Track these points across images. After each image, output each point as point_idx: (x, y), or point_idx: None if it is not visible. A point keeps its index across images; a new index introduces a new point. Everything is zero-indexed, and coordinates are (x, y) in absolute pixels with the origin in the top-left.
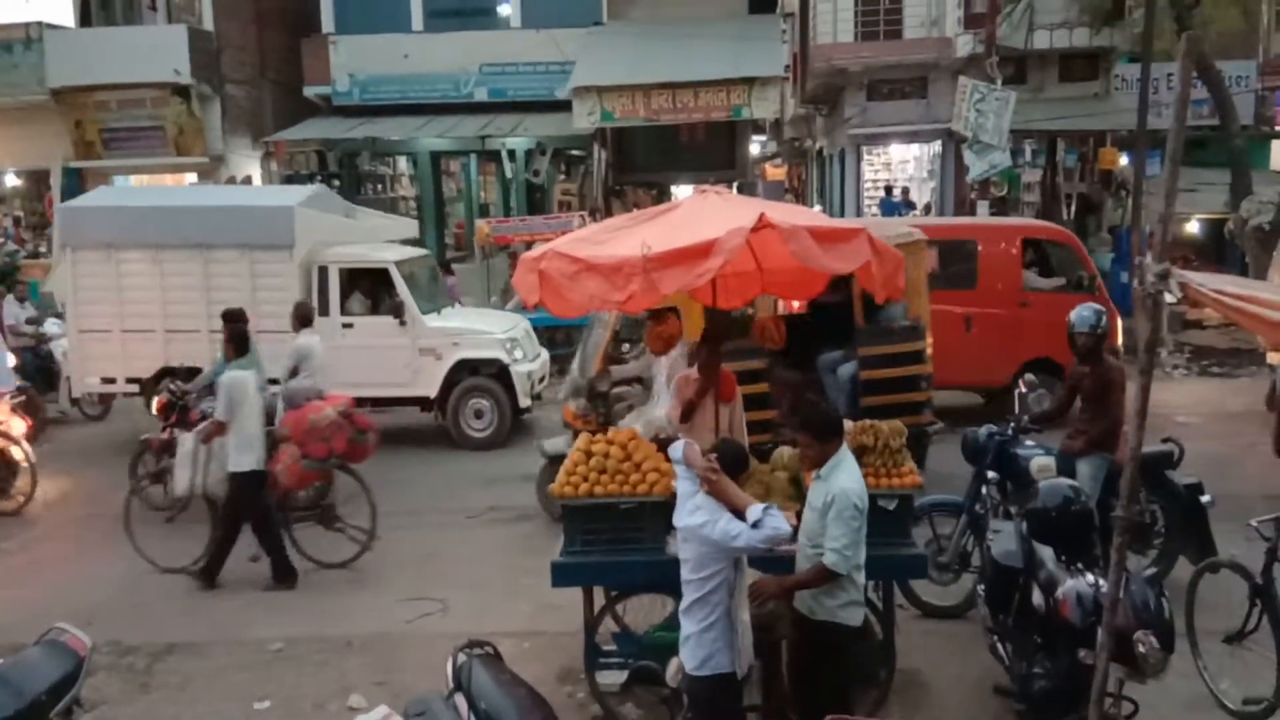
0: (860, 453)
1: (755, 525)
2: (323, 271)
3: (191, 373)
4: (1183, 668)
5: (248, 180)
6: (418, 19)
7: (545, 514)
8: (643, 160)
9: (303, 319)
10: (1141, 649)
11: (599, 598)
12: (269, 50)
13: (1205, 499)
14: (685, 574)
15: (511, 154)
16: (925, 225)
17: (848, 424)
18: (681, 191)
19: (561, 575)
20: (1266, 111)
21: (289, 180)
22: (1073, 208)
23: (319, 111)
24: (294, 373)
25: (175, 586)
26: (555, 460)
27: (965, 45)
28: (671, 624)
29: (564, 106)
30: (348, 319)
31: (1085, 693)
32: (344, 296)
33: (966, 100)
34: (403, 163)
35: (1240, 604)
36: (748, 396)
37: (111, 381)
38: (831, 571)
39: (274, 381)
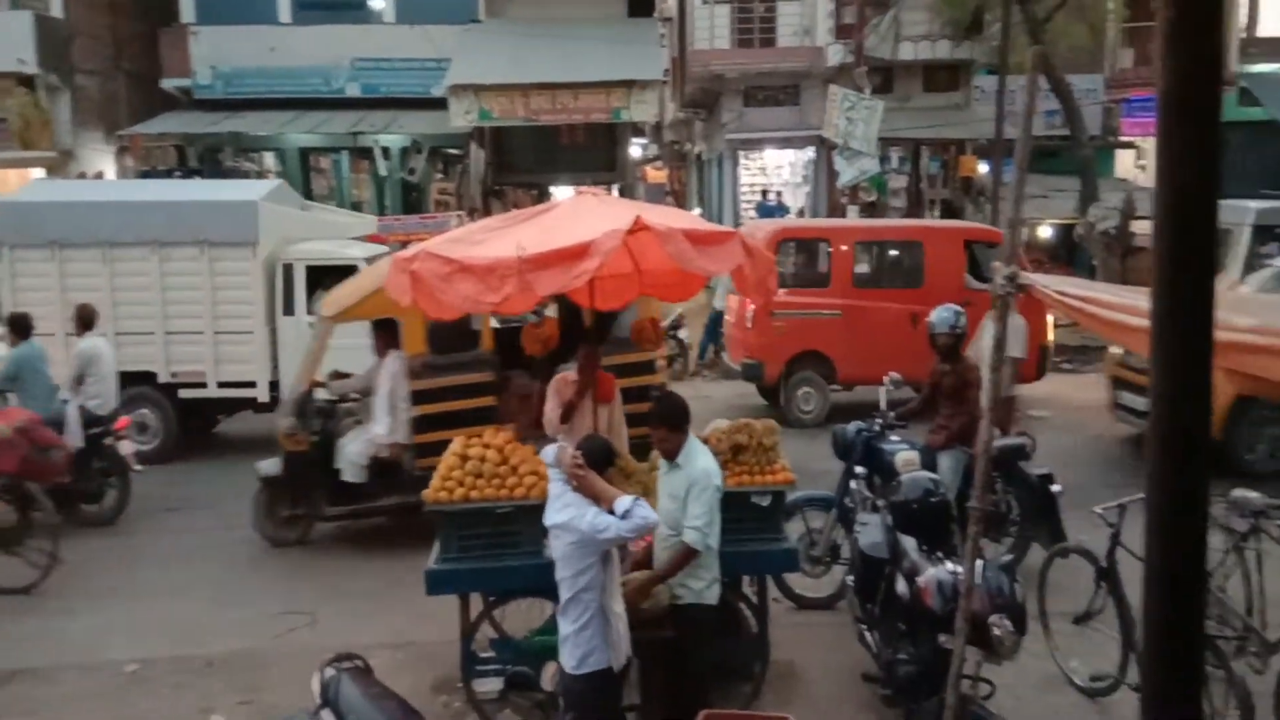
0: (735, 451)
1: (624, 517)
2: (287, 269)
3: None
4: (1035, 648)
5: (99, 176)
6: (285, 11)
7: (261, 538)
8: (522, 161)
9: (85, 322)
10: (997, 632)
11: (476, 604)
12: (124, 39)
13: (1055, 488)
14: (558, 573)
15: (386, 151)
16: (879, 227)
17: (722, 422)
18: (562, 193)
19: (436, 583)
20: (1112, 123)
21: (145, 176)
22: (936, 213)
23: (178, 105)
24: (80, 380)
25: (20, 607)
26: (270, 482)
27: (836, 55)
28: (551, 627)
29: (440, 104)
30: (313, 319)
31: (946, 676)
32: (309, 295)
33: (837, 108)
34: (269, 159)
35: (1087, 587)
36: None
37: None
38: (693, 550)
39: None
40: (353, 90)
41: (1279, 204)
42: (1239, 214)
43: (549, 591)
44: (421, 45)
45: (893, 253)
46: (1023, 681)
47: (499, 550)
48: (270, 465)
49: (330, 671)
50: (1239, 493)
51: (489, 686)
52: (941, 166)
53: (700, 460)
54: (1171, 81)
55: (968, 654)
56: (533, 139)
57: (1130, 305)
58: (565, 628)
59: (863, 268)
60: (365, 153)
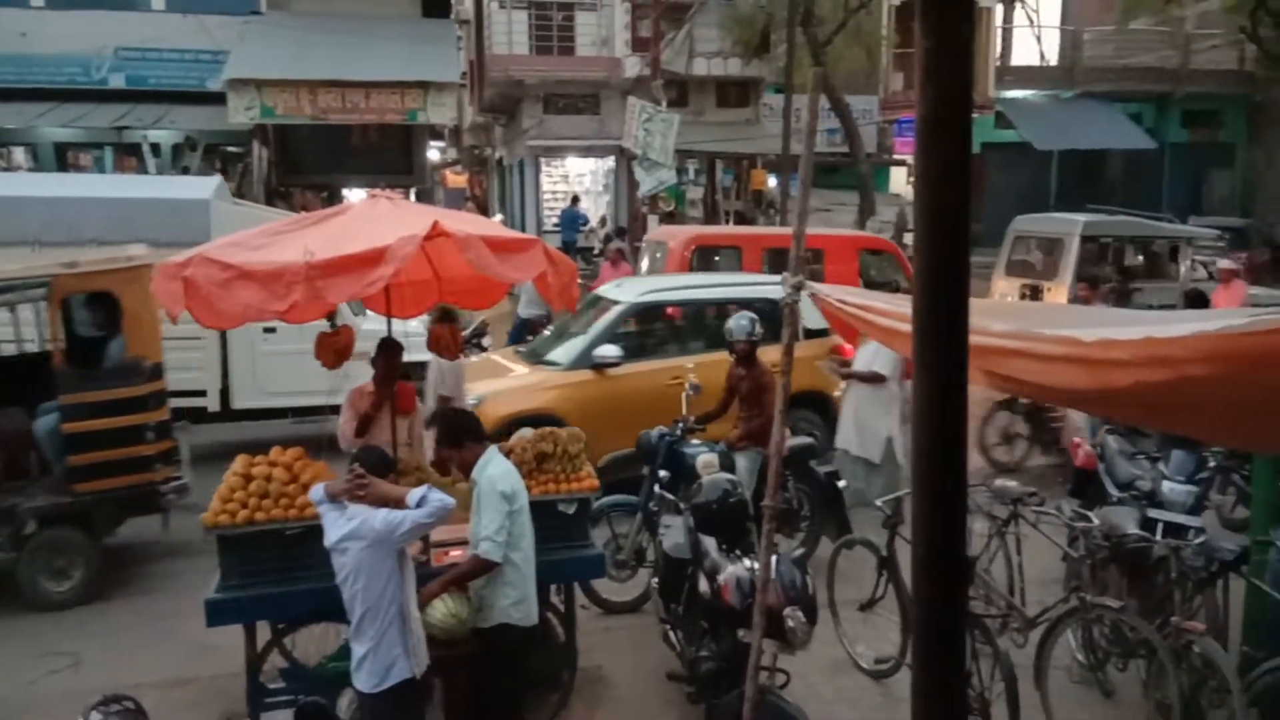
0: (540, 459)
1: (420, 506)
2: None
3: None
4: (825, 636)
5: None
6: None
7: None
8: (311, 161)
9: None
10: (791, 624)
11: (264, 633)
12: None
13: (841, 484)
14: (349, 590)
15: (155, 148)
16: (785, 236)
17: (527, 431)
18: (354, 195)
19: (218, 613)
20: (887, 141)
21: None
22: (730, 223)
23: None
24: None
25: None
26: None
27: (633, 67)
28: (346, 652)
29: (219, 99)
30: (270, 324)
31: (746, 669)
32: None
33: (635, 119)
34: (19, 154)
35: (871, 575)
36: None
37: None
38: (486, 561)
39: None
40: (117, 81)
41: (1104, 217)
42: (1069, 225)
43: (343, 614)
44: (196, 35)
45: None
46: (814, 668)
47: (288, 574)
48: None
49: (96, 716)
50: (1000, 482)
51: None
52: (735, 179)
53: (488, 469)
54: (928, 107)
55: (765, 646)
56: (322, 139)
57: (903, 313)
58: (361, 648)
59: (769, 272)
60: (132, 149)
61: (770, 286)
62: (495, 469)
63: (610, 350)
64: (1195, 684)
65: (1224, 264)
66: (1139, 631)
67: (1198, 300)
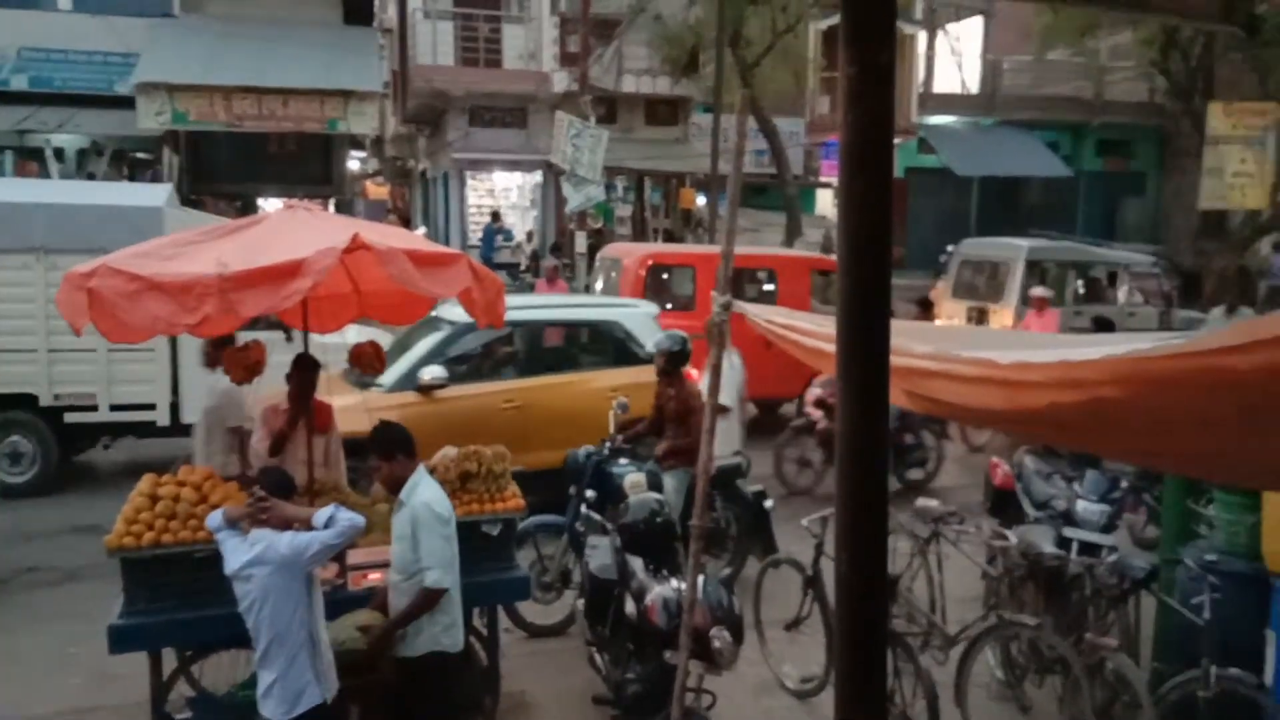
0: (464, 479)
1: (328, 526)
2: None
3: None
4: (752, 656)
5: None
6: None
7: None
8: (224, 169)
9: None
10: (717, 644)
11: (170, 660)
12: None
13: (768, 504)
14: (254, 617)
15: (59, 153)
16: (739, 255)
17: (450, 450)
18: (270, 206)
19: (122, 640)
20: (813, 164)
21: None
22: (659, 241)
23: None
24: None
25: None
26: None
27: (561, 82)
28: (255, 681)
29: (127, 103)
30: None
31: (672, 690)
32: None
33: (564, 134)
34: None
35: (797, 595)
36: None
37: None
38: (438, 591)
39: None
40: (19, 83)
41: (1047, 242)
42: (1014, 250)
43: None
44: (105, 37)
45: (751, 279)
46: (740, 688)
47: (196, 599)
48: None
49: None
50: (922, 502)
51: None
52: (663, 197)
53: (422, 493)
54: (851, 133)
55: (691, 667)
56: (237, 146)
57: (828, 333)
58: (269, 675)
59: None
60: (34, 153)
61: (616, 309)
62: (429, 492)
63: (436, 372)
64: (1108, 699)
65: (1037, 292)
66: (1055, 648)
67: (1106, 326)
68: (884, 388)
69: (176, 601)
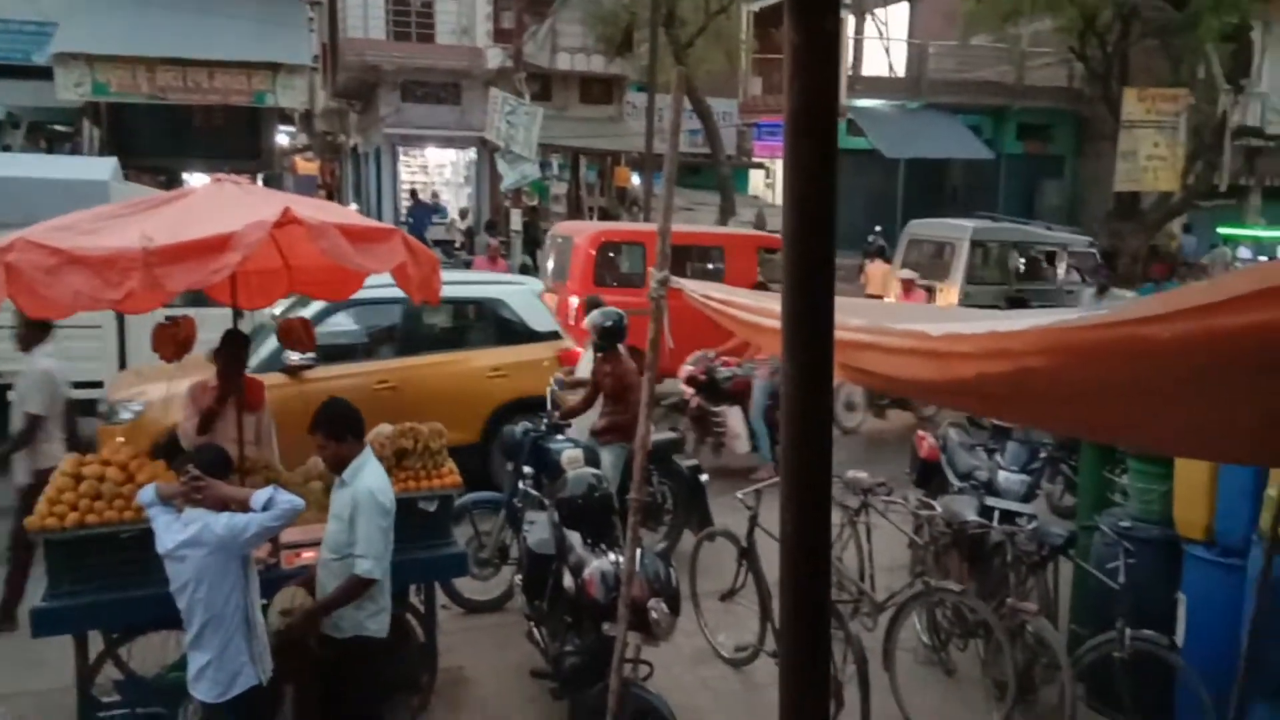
0: (400, 455)
1: (266, 509)
2: None
3: None
4: (688, 627)
5: None
6: None
7: None
8: (148, 142)
9: None
10: (654, 615)
11: (96, 643)
12: None
13: (704, 478)
14: (188, 598)
15: None
16: (688, 233)
17: (386, 427)
18: (196, 180)
19: (45, 623)
20: (746, 144)
21: None
22: (595, 219)
23: None
24: None
25: None
26: None
27: (495, 58)
28: (185, 662)
29: (45, 74)
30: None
31: (609, 662)
32: None
33: (498, 111)
34: None
35: (731, 566)
36: None
37: None
38: (366, 580)
39: None
40: None
41: (991, 224)
42: (959, 231)
43: (182, 623)
44: (20, 5)
45: (699, 257)
46: (676, 659)
47: (123, 580)
48: None
49: None
50: (851, 473)
51: None
52: (599, 175)
53: (368, 478)
54: (796, 100)
55: (629, 638)
56: (161, 119)
57: (764, 308)
58: (202, 657)
59: (672, 270)
60: None
61: (494, 286)
62: (374, 479)
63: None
64: (1029, 661)
65: (903, 274)
66: (978, 613)
67: (1019, 304)
68: (829, 353)
69: (102, 583)
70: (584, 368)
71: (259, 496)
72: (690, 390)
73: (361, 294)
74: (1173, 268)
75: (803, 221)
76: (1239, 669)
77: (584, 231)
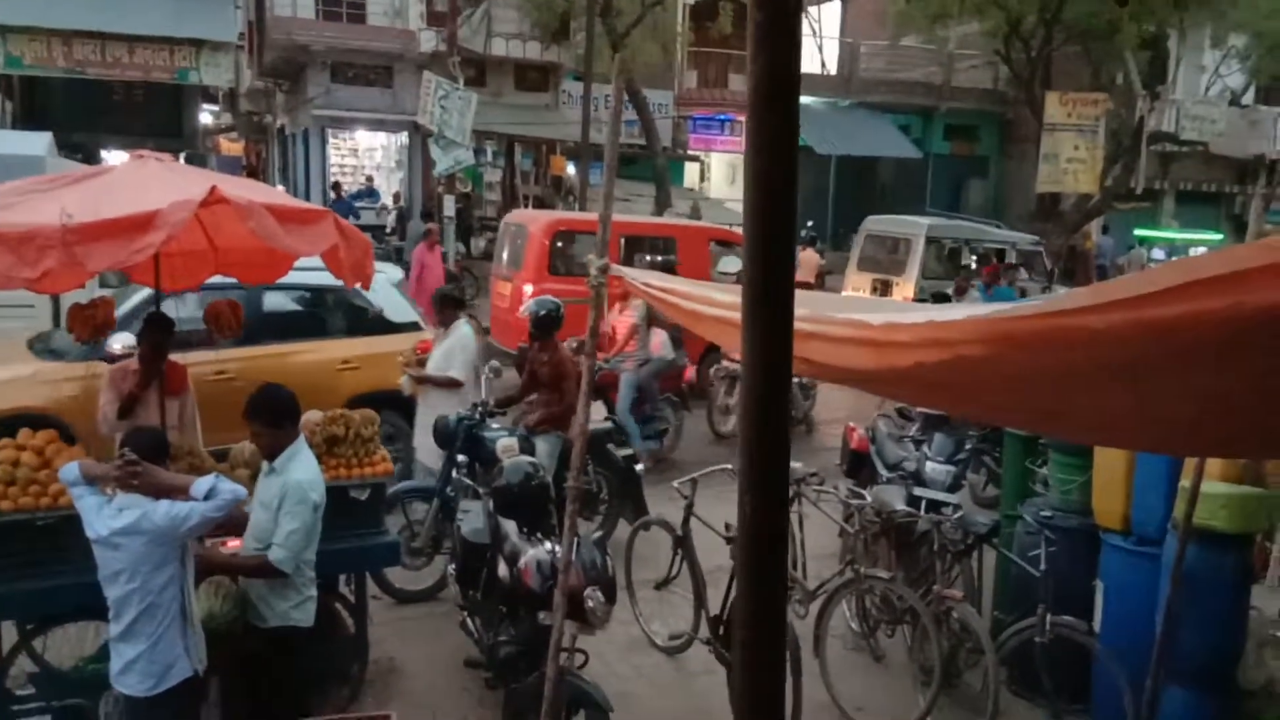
0: (331, 443)
1: (208, 498)
2: None
3: None
4: (623, 615)
5: None
6: None
7: None
8: (63, 117)
9: None
10: (591, 604)
11: (10, 634)
12: None
13: (639, 468)
14: (121, 588)
15: None
16: (642, 224)
17: (316, 414)
18: (114, 157)
19: None
20: (681, 136)
21: None
22: (530, 207)
23: None
24: None
25: None
26: None
27: (429, 41)
28: (105, 654)
29: None
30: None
31: (545, 651)
32: None
33: (431, 95)
34: None
35: (666, 555)
36: None
37: None
38: (274, 568)
39: None
40: None
41: (944, 221)
42: (915, 227)
43: (104, 613)
44: None
45: (651, 248)
46: (611, 647)
47: (39, 568)
48: None
49: None
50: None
51: None
52: (534, 164)
53: (299, 470)
54: (759, 78)
55: (565, 627)
56: (78, 93)
57: (705, 296)
58: (132, 649)
59: (625, 259)
60: None
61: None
62: (305, 472)
63: (126, 339)
64: (954, 646)
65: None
66: (905, 600)
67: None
68: (789, 333)
69: (17, 571)
70: (434, 362)
71: (200, 485)
72: None
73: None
74: (997, 270)
75: (764, 197)
76: (1154, 654)
77: (538, 220)
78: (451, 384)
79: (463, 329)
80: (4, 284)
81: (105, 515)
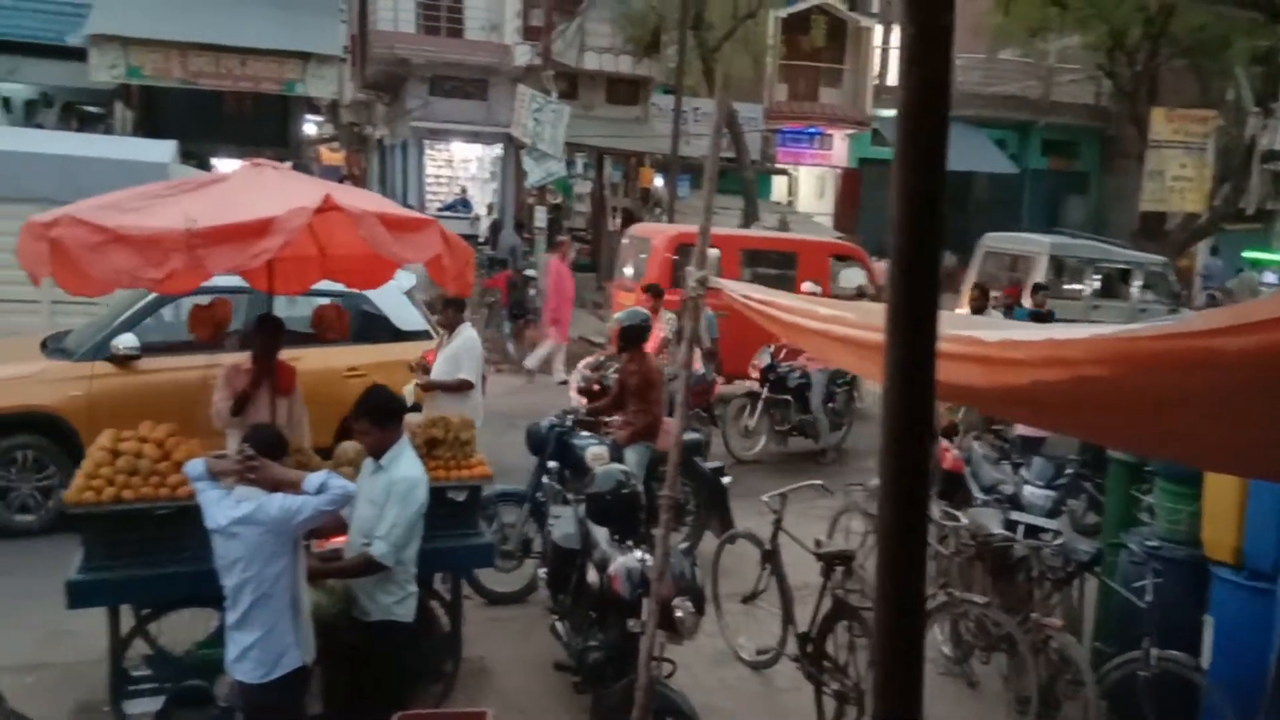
0: (430, 445)
1: (319, 493)
2: None
3: None
4: (709, 628)
5: None
6: None
7: None
8: (178, 126)
9: None
10: (680, 614)
11: (127, 618)
12: None
13: (726, 480)
14: (237, 577)
15: (6, 103)
16: (761, 238)
17: (417, 417)
18: (224, 166)
19: (80, 595)
20: (770, 150)
21: None
22: (619, 220)
23: None
24: None
25: None
26: None
27: (524, 55)
28: (217, 640)
29: (78, 54)
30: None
31: (633, 659)
32: None
33: (525, 108)
34: None
35: (753, 569)
36: None
37: None
38: (376, 563)
39: None
40: None
41: (1069, 239)
42: (1037, 245)
43: (215, 601)
44: None
45: (772, 261)
46: (698, 659)
47: (157, 556)
48: None
49: None
50: (876, 481)
51: (144, 708)
52: (623, 176)
53: (405, 467)
54: (910, 94)
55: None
56: (191, 103)
57: (806, 309)
58: (247, 637)
59: (746, 273)
60: None
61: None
62: (411, 469)
63: (129, 340)
64: (1052, 676)
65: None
66: (1002, 626)
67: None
68: (933, 346)
69: (136, 558)
70: (440, 368)
71: (312, 480)
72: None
73: (204, 283)
74: (1017, 293)
75: (912, 211)
76: (1266, 693)
77: (662, 234)
78: (463, 386)
79: (467, 332)
80: (131, 283)
81: (225, 506)
